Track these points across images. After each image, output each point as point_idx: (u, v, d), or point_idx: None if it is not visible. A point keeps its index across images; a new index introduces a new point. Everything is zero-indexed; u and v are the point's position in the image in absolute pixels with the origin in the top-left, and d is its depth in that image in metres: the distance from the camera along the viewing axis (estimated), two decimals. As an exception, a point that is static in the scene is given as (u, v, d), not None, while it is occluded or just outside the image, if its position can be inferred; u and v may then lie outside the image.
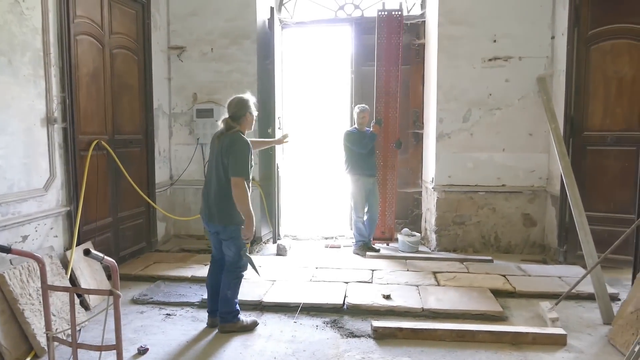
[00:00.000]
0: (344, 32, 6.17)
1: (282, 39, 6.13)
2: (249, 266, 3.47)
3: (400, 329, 3.30)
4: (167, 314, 3.74)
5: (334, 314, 3.72)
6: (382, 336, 3.29)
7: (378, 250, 5.33)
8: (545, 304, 3.69)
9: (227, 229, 3.31)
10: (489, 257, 5.03)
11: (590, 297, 3.87)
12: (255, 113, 3.40)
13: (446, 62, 5.30)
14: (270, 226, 5.92)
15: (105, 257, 2.16)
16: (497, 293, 4.03)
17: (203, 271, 4.59)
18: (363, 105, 5.40)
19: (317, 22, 6.12)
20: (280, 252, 5.38)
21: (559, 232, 4.99)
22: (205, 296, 3.75)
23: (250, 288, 4.13)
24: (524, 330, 3.25)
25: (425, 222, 6.00)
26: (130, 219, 5.01)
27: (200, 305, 3.89)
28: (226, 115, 3.31)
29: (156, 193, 5.44)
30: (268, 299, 3.90)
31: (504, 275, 4.45)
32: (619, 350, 3.08)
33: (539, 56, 5.18)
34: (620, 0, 4.41)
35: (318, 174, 10.13)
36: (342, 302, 3.82)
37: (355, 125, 5.36)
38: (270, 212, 5.79)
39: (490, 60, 5.26)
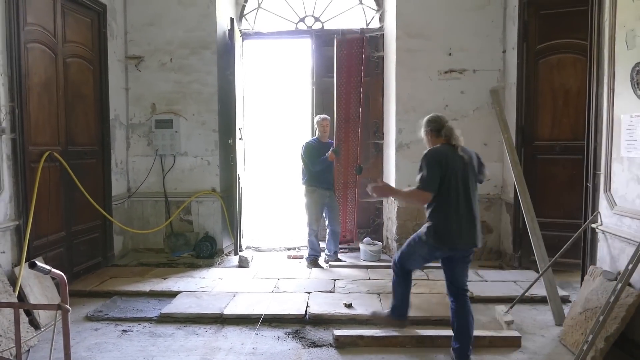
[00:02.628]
0: (305, 44, 6.23)
1: (242, 50, 6.13)
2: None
3: (362, 337, 3.32)
4: (123, 330, 3.62)
5: (296, 324, 3.70)
6: (343, 345, 3.30)
7: (343, 262, 5.34)
8: (500, 308, 3.80)
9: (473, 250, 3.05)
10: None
11: (543, 300, 4.00)
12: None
13: (404, 74, 5.44)
14: (232, 238, 5.85)
15: (53, 269, 2.08)
16: (456, 299, 4.11)
17: (162, 285, 4.50)
18: (324, 115, 5.40)
19: (278, 33, 6.16)
20: (242, 263, 5.32)
21: (514, 238, 5.16)
22: (164, 310, 3.69)
23: (210, 301, 4.06)
24: (481, 334, 3.32)
25: (387, 230, 6.08)
26: (85, 233, 4.84)
27: (158, 320, 3.78)
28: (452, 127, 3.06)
29: (112, 206, 5.28)
30: (229, 311, 3.83)
31: (462, 281, 4.55)
32: (570, 349, 3.20)
33: (491, 69, 5.39)
34: (565, 16, 4.66)
35: (279, 184, 10.11)
36: (304, 312, 3.80)
37: (317, 135, 5.32)
38: (232, 223, 5.72)
39: (446, 72, 5.43)
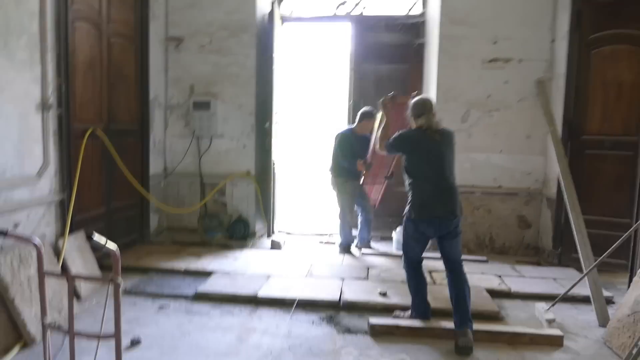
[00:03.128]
0: (344, 28, 6.13)
1: (281, 34, 6.08)
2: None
3: (398, 327, 3.28)
4: (160, 306, 3.68)
5: (330, 309, 3.69)
6: (379, 333, 3.27)
7: (375, 250, 5.29)
8: (541, 305, 3.69)
9: (459, 220, 3.26)
10: (484, 258, 5.04)
11: (585, 300, 3.87)
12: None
13: (446, 62, 5.29)
14: (265, 221, 5.87)
15: (109, 242, 2.11)
16: (493, 293, 4.02)
17: (196, 264, 4.55)
18: (369, 109, 4.99)
19: (317, 18, 6.08)
20: (275, 246, 5.33)
21: (554, 234, 5.00)
22: (199, 288, 3.76)
23: (244, 282, 4.09)
24: (521, 331, 3.24)
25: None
26: (124, 210, 4.94)
27: (194, 297, 3.83)
28: (425, 113, 3.29)
29: (150, 185, 5.36)
30: (263, 293, 3.85)
31: (499, 276, 4.45)
32: (615, 352, 3.08)
33: (538, 59, 5.19)
34: (621, 6, 4.43)
35: (312, 171, 10.09)
36: (338, 299, 3.79)
37: (354, 127, 5.12)
38: (266, 207, 5.74)
39: (490, 61, 5.26)
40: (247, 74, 5.60)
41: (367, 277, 4.33)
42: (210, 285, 4.01)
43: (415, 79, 6.01)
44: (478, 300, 3.77)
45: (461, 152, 5.31)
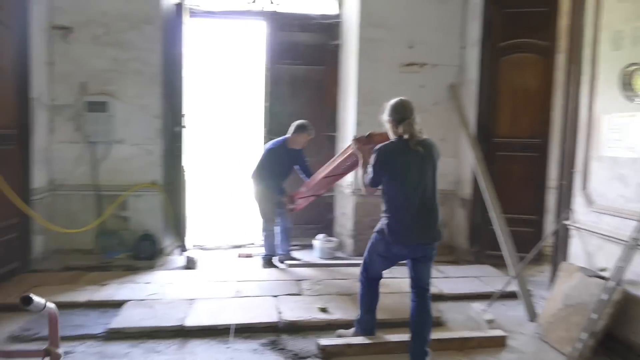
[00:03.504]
0: (258, 26, 5.78)
1: (190, 29, 5.53)
2: None
3: (350, 345, 3.07)
4: (64, 352, 3.02)
5: (270, 333, 3.35)
6: (330, 355, 3.02)
7: (299, 260, 5.02)
8: (476, 306, 3.77)
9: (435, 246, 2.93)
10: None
11: (509, 296, 4.01)
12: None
13: (366, 65, 5.23)
14: (175, 236, 5.30)
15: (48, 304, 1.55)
16: (428, 297, 4.02)
17: (100, 294, 3.89)
18: (304, 123, 4.65)
19: (229, 13, 5.64)
20: (190, 264, 4.81)
21: (470, 233, 5.21)
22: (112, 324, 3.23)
23: (165, 311, 3.56)
24: (469, 335, 3.24)
25: (340, 226, 5.88)
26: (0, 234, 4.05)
27: (107, 337, 3.22)
28: (407, 117, 2.82)
29: (33, 200, 4.49)
30: (191, 322, 3.37)
31: (427, 279, 4.48)
32: (553, 346, 3.21)
33: (451, 64, 5.37)
34: (527, 16, 4.75)
35: (224, 177, 9.44)
36: (277, 320, 3.46)
37: (287, 138, 4.71)
38: (177, 221, 5.17)
39: (406, 65, 5.31)
40: (151, 71, 4.97)
41: (300, 292, 4.06)
42: (124, 319, 3.41)
43: (332, 81, 5.89)
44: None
45: (383, 156, 5.35)
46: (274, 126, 5.83)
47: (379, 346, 3.09)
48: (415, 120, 2.84)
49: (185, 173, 5.13)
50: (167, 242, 5.26)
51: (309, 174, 4.80)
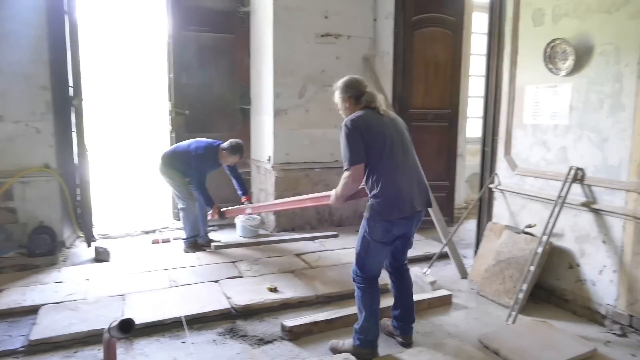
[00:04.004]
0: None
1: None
2: None
3: (316, 323, 3.00)
4: (-21, 378, 2.47)
5: (225, 321, 3.13)
6: (297, 335, 2.93)
7: (218, 242, 4.71)
8: (416, 270, 3.95)
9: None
10: (335, 233, 5.12)
11: (438, 257, 4.28)
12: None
13: (282, 35, 5.03)
14: (76, 226, 4.63)
15: None
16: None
17: (3, 300, 3.24)
18: (242, 149, 4.40)
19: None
20: (101, 256, 4.26)
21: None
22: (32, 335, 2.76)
23: (95, 311, 3.12)
24: (420, 298, 3.37)
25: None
26: None
27: (28, 350, 2.71)
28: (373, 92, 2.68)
29: None
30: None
31: (359, 248, 4.59)
32: (491, 299, 3.52)
33: (364, 36, 5.42)
34: (438, -10, 4.98)
35: (127, 157, 8.36)
36: (228, 306, 3.24)
37: (218, 148, 4.38)
38: (82, 208, 4.50)
39: (322, 36, 5.23)
40: (33, 33, 4.15)
41: (241, 274, 3.85)
42: (47, 328, 2.89)
43: (243, 51, 5.59)
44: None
45: (300, 129, 5.27)
46: (180, 99, 5.37)
47: (343, 320, 3.07)
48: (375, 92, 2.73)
49: (88, 153, 4.45)
50: (67, 233, 4.58)
51: (243, 187, 4.70)
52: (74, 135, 4.39)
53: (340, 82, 2.75)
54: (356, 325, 2.70)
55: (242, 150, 4.42)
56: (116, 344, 2.21)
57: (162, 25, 5.24)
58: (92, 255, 4.30)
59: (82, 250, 4.48)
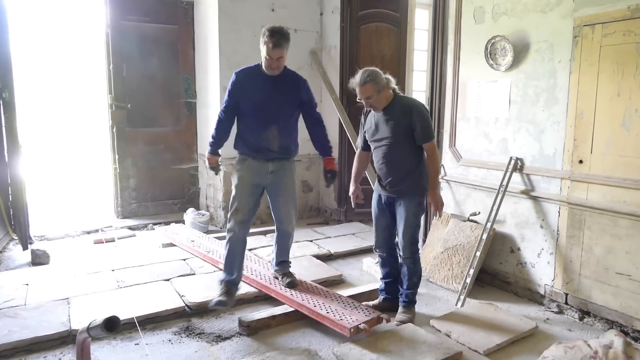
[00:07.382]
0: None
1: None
2: None
3: (274, 317, 3.00)
4: None
5: (179, 320, 3.06)
6: (256, 330, 2.91)
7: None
8: (366, 260, 4.05)
9: None
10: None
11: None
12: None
13: (228, 26, 4.94)
14: (8, 227, 4.33)
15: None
16: (319, 258, 4.16)
17: None
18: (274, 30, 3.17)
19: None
20: (39, 259, 4.01)
21: (338, 194, 5.51)
22: None
23: (36, 317, 2.94)
24: (375, 287, 3.46)
25: (207, 198, 5.59)
26: None
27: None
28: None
29: None
30: (80, 324, 2.84)
31: (311, 241, 4.62)
32: (440, 285, 3.68)
33: (311, 30, 5.44)
34: (382, -14, 5.08)
35: (64, 153, 7.79)
36: (183, 304, 3.17)
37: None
38: (15, 208, 4.21)
39: (269, 29, 5.19)
40: (-46, 19, 3.82)
41: (193, 272, 3.76)
42: (-15, 337, 2.69)
43: (187, 42, 5.42)
44: (319, 270, 3.84)
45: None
46: (121, 92, 5.14)
47: (299, 312, 3.08)
48: None
49: (21, 150, 4.15)
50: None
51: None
52: (4, 130, 4.08)
53: (368, 72, 3.00)
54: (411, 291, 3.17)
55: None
56: (90, 345, 2.09)
57: (99, 14, 4.97)
58: (29, 258, 4.04)
59: (17, 253, 4.20)
